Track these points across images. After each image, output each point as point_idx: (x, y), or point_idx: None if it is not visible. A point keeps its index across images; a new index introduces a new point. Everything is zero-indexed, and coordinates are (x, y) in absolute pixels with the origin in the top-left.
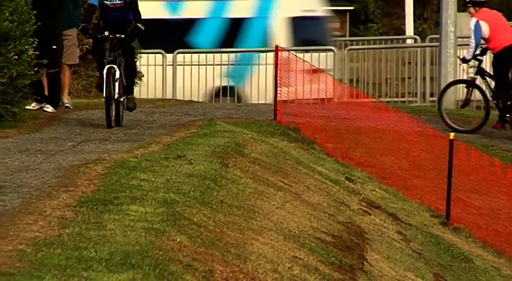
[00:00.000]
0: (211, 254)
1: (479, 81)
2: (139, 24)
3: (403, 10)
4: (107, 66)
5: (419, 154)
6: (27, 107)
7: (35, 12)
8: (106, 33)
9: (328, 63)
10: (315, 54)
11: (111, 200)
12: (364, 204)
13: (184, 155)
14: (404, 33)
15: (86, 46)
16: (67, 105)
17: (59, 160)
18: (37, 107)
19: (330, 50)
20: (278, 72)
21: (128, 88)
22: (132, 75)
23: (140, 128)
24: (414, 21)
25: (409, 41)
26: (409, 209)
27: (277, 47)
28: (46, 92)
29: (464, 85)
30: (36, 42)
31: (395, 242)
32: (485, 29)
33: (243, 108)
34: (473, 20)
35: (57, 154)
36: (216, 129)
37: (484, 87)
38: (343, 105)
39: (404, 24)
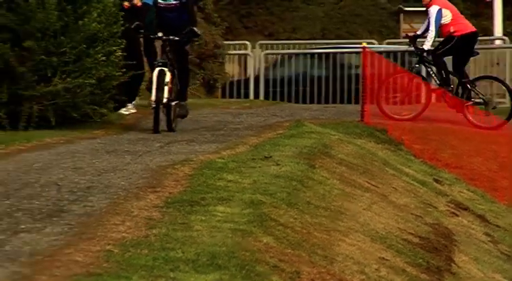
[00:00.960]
0: (298, 255)
1: (423, 70)
2: (194, 28)
3: (492, 11)
4: (157, 69)
5: (507, 155)
6: (124, 112)
7: (123, 13)
8: (159, 34)
9: None
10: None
11: (198, 201)
12: (451, 205)
13: (271, 156)
14: (492, 34)
15: None
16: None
17: (146, 160)
18: (133, 112)
19: None
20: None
21: (180, 94)
22: (185, 80)
23: (227, 129)
24: (503, 21)
25: (497, 42)
26: (497, 210)
27: (364, 48)
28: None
29: None
30: (124, 44)
31: (483, 244)
32: (448, 16)
33: (330, 109)
34: (436, 8)
35: (144, 154)
36: (303, 130)
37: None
38: (431, 106)
39: (493, 25)
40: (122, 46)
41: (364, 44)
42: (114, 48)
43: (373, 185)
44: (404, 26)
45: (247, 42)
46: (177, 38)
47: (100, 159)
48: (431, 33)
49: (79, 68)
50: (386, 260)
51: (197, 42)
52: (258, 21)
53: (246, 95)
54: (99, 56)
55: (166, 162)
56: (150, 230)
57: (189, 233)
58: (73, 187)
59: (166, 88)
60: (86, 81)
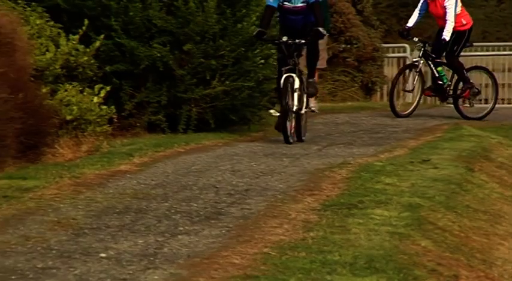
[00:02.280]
0: (456, 259)
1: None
2: (320, 28)
3: None
4: (284, 76)
5: None
6: (272, 113)
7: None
8: (284, 38)
9: None
10: None
11: (355, 204)
12: None
13: (429, 159)
14: None
15: (331, 50)
16: (313, 109)
17: (304, 163)
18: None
19: None
20: None
21: (309, 72)
22: (314, 60)
23: (385, 132)
24: None
25: None
26: None
27: None
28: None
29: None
30: None
31: None
32: (459, 6)
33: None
34: None
35: (302, 157)
36: (462, 133)
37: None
38: None
39: None
40: None
41: None
42: (273, 51)
43: None
44: None
45: (406, 45)
46: (303, 41)
47: (258, 162)
48: (452, 24)
49: (238, 71)
50: None
51: (356, 46)
52: (418, 23)
53: None
54: (258, 59)
55: (323, 165)
56: (307, 232)
57: (346, 236)
58: (231, 189)
59: (295, 95)
60: (245, 84)
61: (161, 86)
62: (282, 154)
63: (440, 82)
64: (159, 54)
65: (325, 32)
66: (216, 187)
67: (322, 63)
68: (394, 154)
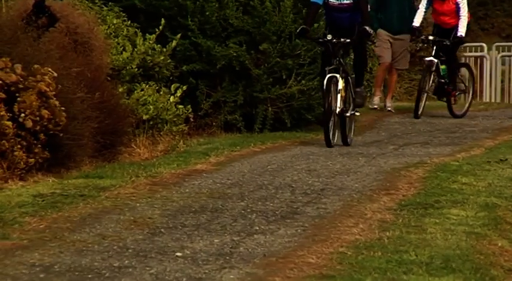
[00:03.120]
0: None
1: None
2: (366, 27)
3: None
4: (327, 76)
5: None
6: (357, 114)
7: None
8: (329, 37)
9: None
10: None
11: (431, 204)
12: None
13: (506, 159)
14: None
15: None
16: (389, 108)
17: (380, 163)
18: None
19: None
20: None
21: (356, 80)
22: (361, 64)
23: (462, 131)
24: None
25: None
26: None
27: None
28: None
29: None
30: None
31: None
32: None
33: None
34: None
35: (378, 157)
36: None
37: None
38: None
39: None
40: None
41: None
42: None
43: None
44: None
45: (483, 44)
46: (348, 40)
47: (334, 161)
48: (466, 19)
49: (314, 70)
50: None
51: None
52: (495, 23)
53: None
54: None
55: (400, 164)
56: (383, 232)
57: (422, 235)
58: (307, 188)
59: (338, 96)
60: None
61: (237, 85)
62: (357, 153)
63: (442, 81)
64: (235, 54)
65: (371, 31)
66: (292, 187)
67: (405, 64)
68: (471, 153)
